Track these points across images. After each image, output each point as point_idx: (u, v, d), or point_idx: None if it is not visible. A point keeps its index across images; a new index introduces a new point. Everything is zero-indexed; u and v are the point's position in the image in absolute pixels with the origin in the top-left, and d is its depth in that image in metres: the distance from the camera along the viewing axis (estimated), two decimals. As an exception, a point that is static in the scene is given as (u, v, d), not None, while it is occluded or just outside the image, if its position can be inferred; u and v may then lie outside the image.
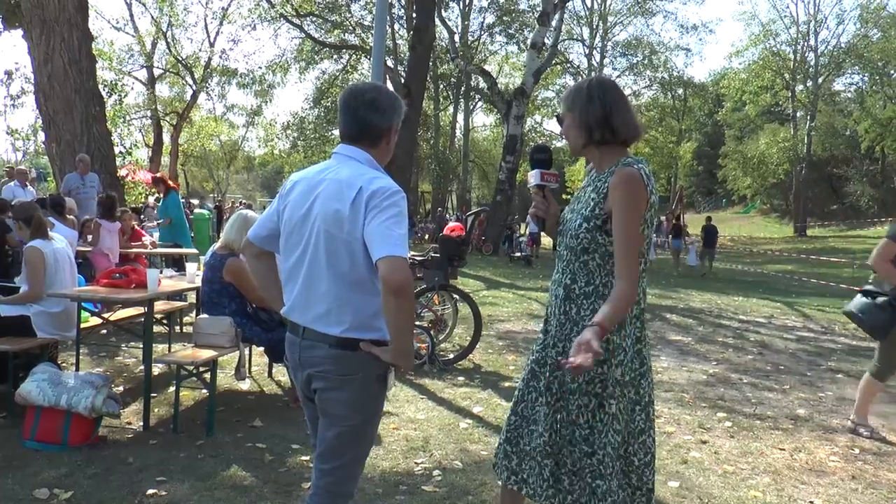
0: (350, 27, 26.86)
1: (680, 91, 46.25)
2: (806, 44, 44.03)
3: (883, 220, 39.52)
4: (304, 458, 4.08)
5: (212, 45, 32.10)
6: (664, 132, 44.77)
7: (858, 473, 4.24)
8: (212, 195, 45.87)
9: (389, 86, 36.04)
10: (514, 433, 2.57)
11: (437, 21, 25.62)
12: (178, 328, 7.39)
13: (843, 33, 44.87)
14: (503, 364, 6.96)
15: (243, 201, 36.08)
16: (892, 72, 46.51)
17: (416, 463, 4.11)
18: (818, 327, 10.44)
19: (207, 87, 33.43)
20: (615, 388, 2.38)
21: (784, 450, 4.63)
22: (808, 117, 43.28)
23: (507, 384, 6.13)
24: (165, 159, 34.18)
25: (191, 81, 32.83)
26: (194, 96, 33.35)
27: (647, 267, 2.42)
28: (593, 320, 2.24)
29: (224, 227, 5.18)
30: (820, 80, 43.54)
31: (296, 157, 34.95)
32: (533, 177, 2.57)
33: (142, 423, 4.51)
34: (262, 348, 5.20)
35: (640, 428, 2.45)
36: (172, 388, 5.33)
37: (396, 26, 31.82)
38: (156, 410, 4.79)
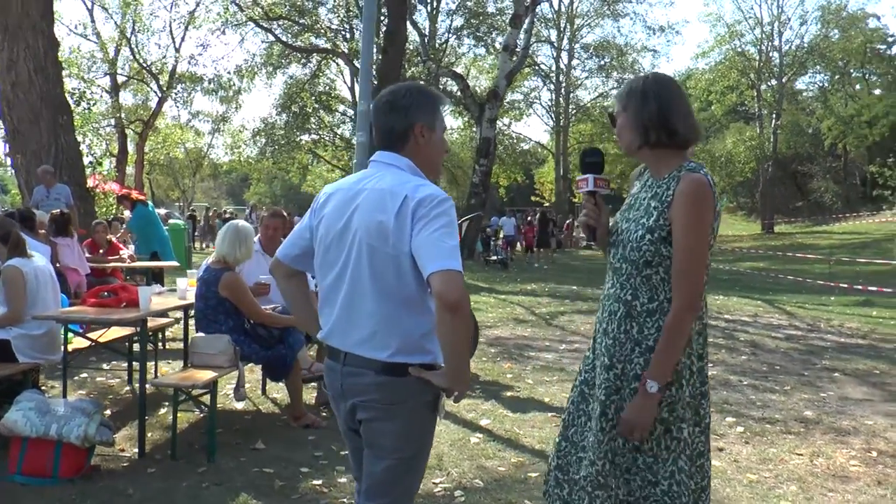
0: (321, 30, 26.54)
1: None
2: (770, 44, 44.63)
3: (846, 215, 40.24)
4: (316, 482, 3.88)
5: (177, 50, 31.50)
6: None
7: (883, 478, 4.14)
8: (177, 204, 45.10)
9: (359, 89, 35.75)
10: (565, 460, 2.39)
11: (408, 24, 25.45)
12: (161, 345, 7.10)
13: (806, 34, 45.34)
14: (500, 372, 6.79)
15: (229, 211, 35.46)
16: (852, 71, 47.43)
17: (434, 483, 3.92)
18: (804, 325, 10.45)
19: (173, 94, 32.81)
20: (685, 411, 2.21)
21: (802, 455, 4.53)
22: (774, 116, 43.87)
23: (509, 394, 5.96)
24: (130, 169, 33.47)
25: (156, 88, 32.19)
26: (160, 103, 32.70)
27: (707, 278, 2.25)
28: (647, 374, 2.13)
29: (215, 238, 4.95)
30: (784, 79, 44.15)
31: (265, 164, 34.47)
32: (585, 182, 2.37)
33: (137, 450, 4.26)
34: (257, 365, 4.98)
35: (700, 451, 2.28)
36: (164, 410, 5.11)
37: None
38: (149, 435, 4.53)
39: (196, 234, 28.17)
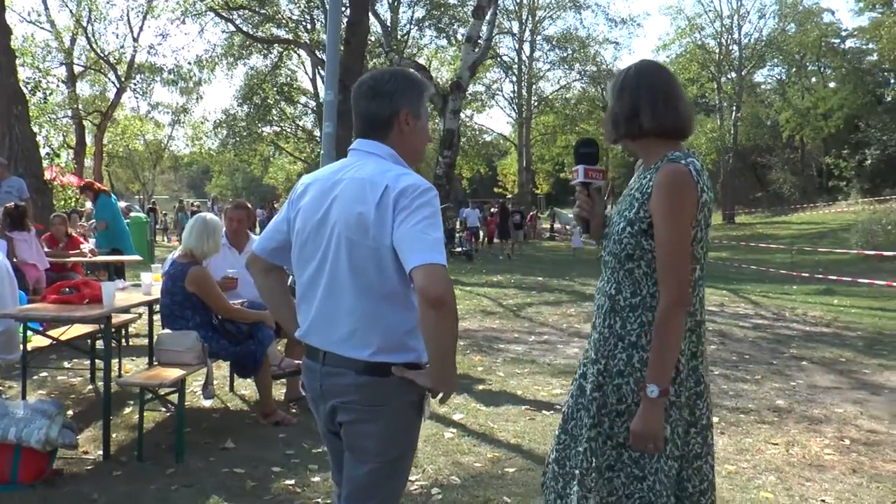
0: (282, 21, 26.14)
1: (610, 84, 46.87)
2: (730, 37, 45.22)
3: (804, 205, 41.06)
4: (288, 482, 3.76)
5: (136, 40, 30.79)
6: (594, 125, 45.32)
7: (857, 466, 4.17)
8: (137, 197, 44.26)
9: (322, 82, 35.47)
10: (563, 453, 2.31)
11: (370, 15, 25.18)
12: (124, 342, 6.89)
13: (765, 27, 46.14)
14: (471, 365, 6.73)
15: (196, 203, 34.84)
16: (808, 64, 48.32)
17: (410, 481, 3.82)
18: (769, 314, 10.57)
19: (132, 85, 32.08)
20: (677, 412, 2.13)
21: (778, 444, 4.54)
22: (734, 108, 44.51)
23: (481, 387, 5.90)
24: (89, 161, 32.68)
25: (114, 79, 31.46)
26: (118, 94, 31.96)
27: (703, 273, 2.17)
28: (647, 379, 2.03)
29: (183, 232, 4.77)
30: (744, 72, 44.81)
31: (226, 155, 33.94)
32: (577, 173, 2.30)
33: (101, 452, 4.08)
34: (225, 362, 4.84)
35: (696, 453, 2.19)
36: (128, 410, 4.94)
37: (325, 20, 31.22)
38: (114, 436, 4.35)
39: (158, 226, 27.63)
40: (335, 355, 2.01)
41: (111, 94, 33.27)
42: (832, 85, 46.55)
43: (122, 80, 30.85)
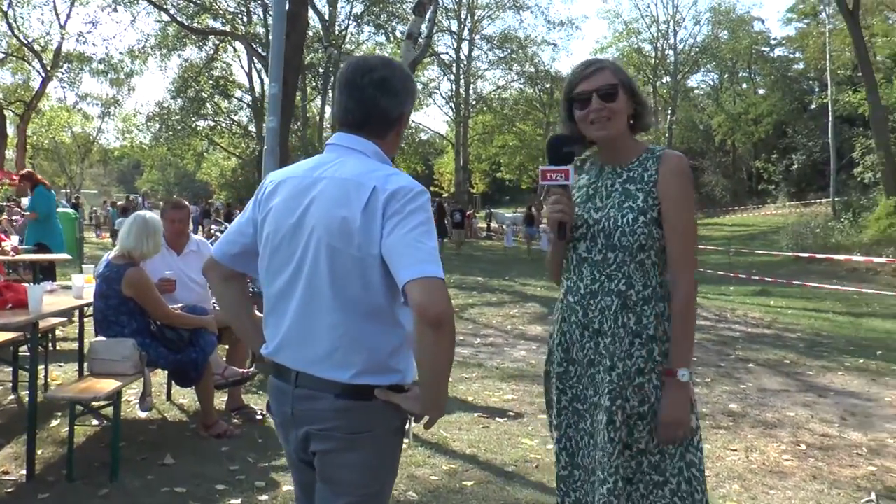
0: (218, 12, 25.42)
1: (547, 85, 47.31)
2: (666, 42, 46.27)
3: (735, 208, 42.25)
4: (234, 501, 3.50)
5: (62, 27, 29.49)
6: (532, 125, 45.65)
7: (816, 472, 4.14)
8: (64, 191, 42.50)
9: (259, 77, 34.70)
10: (581, 491, 2.16)
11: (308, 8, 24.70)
12: (50, 346, 6.44)
13: (699, 34, 47.38)
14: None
15: (140, 196, 33.53)
16: (740, 71, 49.78)
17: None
18: (711, 315, 10.69)
19: (59, 74, 30.69)
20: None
21: (737, 450, 4.49)
22: (669, 112, 45.48)
23: (431, 393, 5.71)
24: (11, 153, 31.17)
25: (39, 67, 30.05)
26: (44, 84, 30.55)
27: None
28: (676, 364, 2.02)
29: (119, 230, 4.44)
30: (679, 76, 45.89)
31: (159, 150, 32.88)
32: (563, 175, 2.10)
33: (25, 472, 3.72)
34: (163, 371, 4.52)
35: (701, 436, 2.15)
36: (56, 423, 4.58)
37: (261, 12, 30.54)
38: (40, 453, 4.00)
39: (85, 222, 26.51)
40: (310, 376, 1.79)
41: (36, 84, 31.78)
42: (762, 91, 48.11)
43: (48, 68, 29.48)
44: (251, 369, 5.04)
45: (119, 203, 28.30)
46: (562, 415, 2.18)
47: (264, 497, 3.59)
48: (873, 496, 3.79)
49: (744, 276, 15.96)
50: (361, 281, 1.73)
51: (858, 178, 30.95)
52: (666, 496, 2.04)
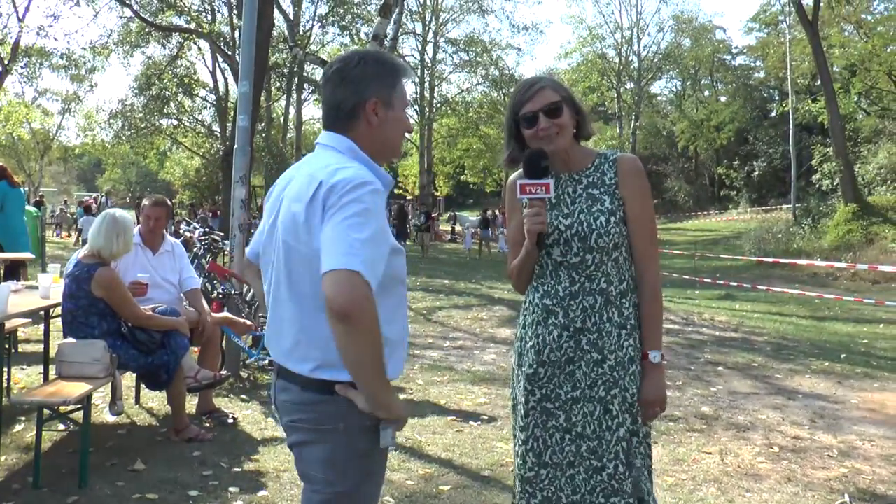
0: (182, 9, 25.01)
1: (512, 89, 47.54)
2: (630, 48, 46.80)
3: (697, 213, 42.87)
4: (209, 508, 3.41)
5: (21, 20, 28.75)
6: (496, 128, 45.79)
7: (790, 475, 4.18)
8: (22, 189, 41.51)
9: (223, 77, 34.26)
10: (552, 488, 2.21)
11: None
12: (12, 349, 6.24)
13: (663, 41, 48.01)
14: (392, 372, 6.47)
15: (104, 195, 32.75)
16: (702, 78, 50.59)
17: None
18: (678, 318, 10.80)
19: (17, 69, 29.92)
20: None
21: (712, 453, 4.52)
22: (633, 117, 46.01)
23: (402, 396, 5.68)
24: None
25: (-5, 61, 29.31)
26: (1, 78, 29.79)
27: None
28: (648, 347, 2.22)
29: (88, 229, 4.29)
30: (643, 83, 46.45)
31: (121, 148, 32.24)
32: (544, 188, 2.16)
33: (-11, 479, 3.61)
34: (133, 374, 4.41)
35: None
36: (20, 428, 4.44)
37: (225, 11, 30.17)
38: (3, 459, 3.86)
39: (48, 221, 25.89)
40: (284, 368, 1.87)
41: (-8, 78, 30.99)
42: (724, 99, 48.96)
43: (6, 62, 28.75)
44: (224, 372, 4.94)
45: (86, 200, 27.70)
46: (529, 415, 2.25)
47: (238, 503, 3.50)
48: (846, 497, 3.84)
49: (708, 281, 16.18)
50: (310, 276, 1.72)
51: (817, 185, 31.68)
52: (604, 480, 2.19)
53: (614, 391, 2.17)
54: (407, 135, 2.07)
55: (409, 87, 2.02)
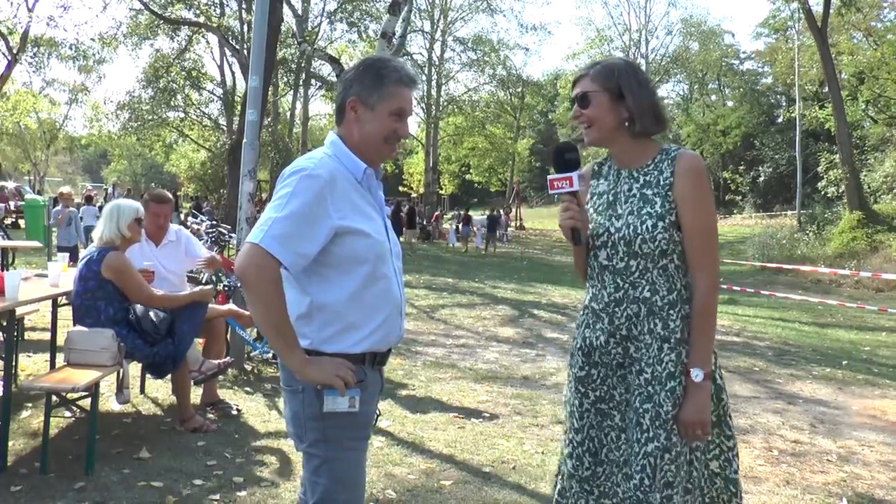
0: (191, 2, 25.04)
1: (518, 88, 47.52)
2: (637, 51, 46.69)
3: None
4: (213, 497, 3.45)
5: (30, 10, 28.77)
6: (502, 127, 45.76)
7: (789, 478, 4.21)
8: (27, 178, 41.62)
9: (231, 71, 34.27)
10: (607, 482, 2.18)
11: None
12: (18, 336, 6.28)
13: (671, 44, 47.94)
14: (391, 369, 6.50)
15: (111, 187, 32.66)
16: (709, 82, 50.50)
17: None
18: (680, 322, 10.80)
19: (26, 59, 29.94)
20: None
21: (711, 456, 4.54)
22: (639, 120, 45.94)
23: (404, 392, 5.72)
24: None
25: (5, 50, 29.31)
26: (9, 67, 29.81)
27: None
28: (691, 365, 2.04)
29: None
30: (650, 85, 46.40)
31: (127, 140, 32.27)
32: (568, 182, 2.10)
33: (-3, 464, 3.64)
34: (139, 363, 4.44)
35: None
36: (27, 414, 4.48)
37: (234, 5, 30.19)
38: (12, 444, 3.90)
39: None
40: None
41: (1, 67, 31.01)
42: (730, 104, 48.87)
43: (15, 52, 28.78)
44: (227, 359, 4.96)
45: (88, 190, 27.71)
46: (584, 417, 2.18)
47: (242, 493, 3.54)
48: (845, 501, 3.87)
49: (711, 285, 16.16)
50: None
51: (823, 192, 31.63)
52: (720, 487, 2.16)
53: (647, 405, 2.06)
54: (409, 134, 2.19)
55: (410, 95, 2.08)
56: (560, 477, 2.28)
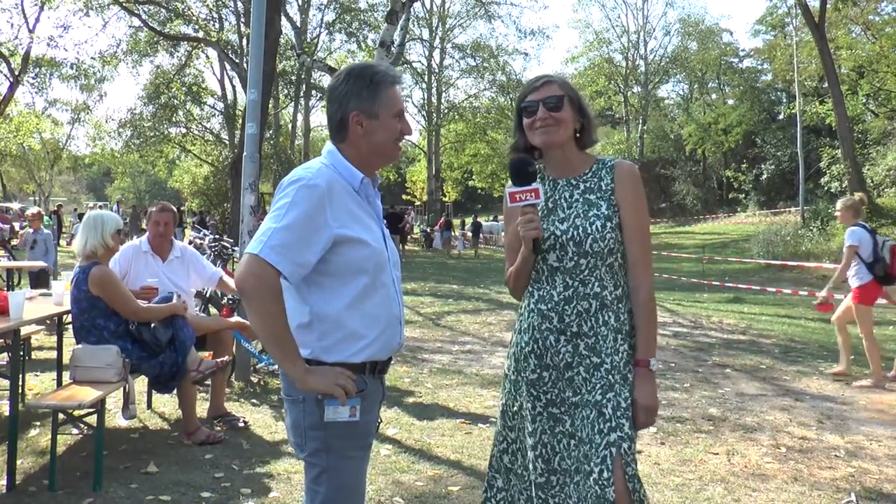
0: (190, 18, 25.19)
1: (518, 93, 47.46)
2: (636, 52, 46.81)
3: (705, 216, 42.74)
4: (221, 509, 3.47)
5: (31, 31, 28.96)
6: (503, 133, 45.74)
7: (797, 474, 4.20)
8: (32, 198, 41.81)
9: (231, 84, 34.45)
10: (561, 495, 2.20)
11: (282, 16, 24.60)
12: (26, 356, 6.32)
13: (669, 44, 47.99)
14: (397, 377, 6.53)
15: (117, 205, 32.62)
16: (709, 81, 50.48)
17: None
18: (686, 322, 10.81)
19: (28, 80, 30.11)
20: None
21: (719, 454, 4.54)
22: (640, 121, 45.96)
23: (411, 399, 5.73)
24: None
25: (7, 72, 29.50)
26: (12, 88, 29.99)
27: None
28: (645, 355, 2.21)
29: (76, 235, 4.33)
30: (650, 86, 46.41)
31: (130, 157, 32.41)
32: (533, 194, 2.16)
33: (5, 482, 3.65)
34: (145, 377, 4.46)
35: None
36: (35, 432, 4.51)
37: (233, 19, 30.39)
38: (20, 463, 3.92)
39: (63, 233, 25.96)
40: None
41: (3, 88, 31.18)
42: (731, 102, 48.80)
43: (17, 73, 28.95)
44: (226, 357, 4.95)
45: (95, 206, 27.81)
46: (536, 421, 2.23)
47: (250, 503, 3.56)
48: (853, 496, 3.85)
49: (717, 284, 16.16)
50: None
51: (825, 188, 31.56)
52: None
53: (610, 395, 2.15)
54: (410, 138, 2.22)
55: (400, 92, 2.12)
56: (493, 470, 2.37)
